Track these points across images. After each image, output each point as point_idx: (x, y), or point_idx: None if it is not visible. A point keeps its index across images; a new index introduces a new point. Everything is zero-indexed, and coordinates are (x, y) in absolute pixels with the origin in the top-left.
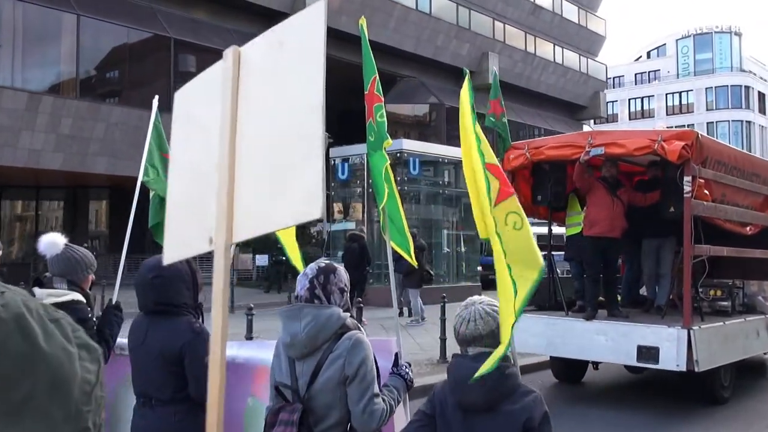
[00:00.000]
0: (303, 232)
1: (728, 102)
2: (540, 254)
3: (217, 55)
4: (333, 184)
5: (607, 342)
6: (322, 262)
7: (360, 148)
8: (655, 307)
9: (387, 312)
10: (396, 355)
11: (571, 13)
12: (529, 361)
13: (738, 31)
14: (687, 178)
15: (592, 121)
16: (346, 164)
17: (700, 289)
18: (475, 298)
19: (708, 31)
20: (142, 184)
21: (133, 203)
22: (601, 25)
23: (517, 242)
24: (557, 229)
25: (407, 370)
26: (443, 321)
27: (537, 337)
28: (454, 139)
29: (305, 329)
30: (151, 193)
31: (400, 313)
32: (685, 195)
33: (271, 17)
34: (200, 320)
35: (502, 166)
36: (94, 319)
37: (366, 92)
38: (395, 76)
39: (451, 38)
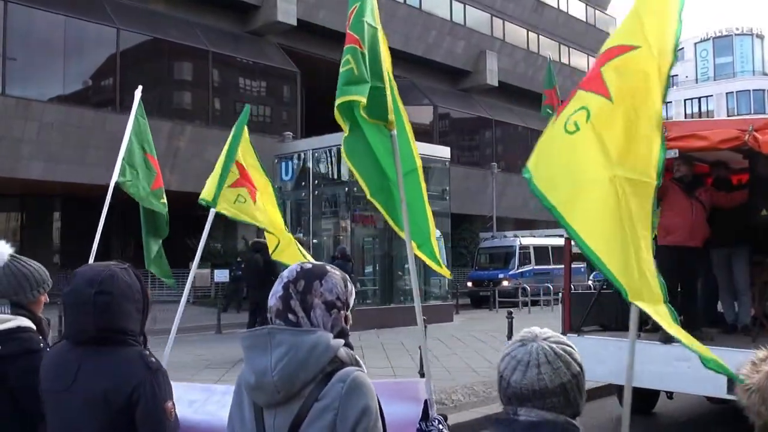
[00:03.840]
0: None
1: (750, 107)
2: None
3: (173, 49)
4: (279, 186)
5: (691, 370)
6: (309, 263)
7: (309, 143)
8: (740, 327)
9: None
10: (425, 403)
11: (577, 10)
12: (589, 385)
13: (760, 34)
14: None
15: None
16: (289, 162)
17: None
18: (536, 330)
19: (728, 34)
20: (116, 185)
21: (104, 207)
22: (611, 23)
23: None
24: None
25: (441, 426)
26: None
27: (604, 364)
28: (451, 148)
29: (278, 366)
30: (142, 210)
31: None
32: None
33: (243, 11)
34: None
35: None
36: (49, 350)
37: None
38: None
39: (444, 35)
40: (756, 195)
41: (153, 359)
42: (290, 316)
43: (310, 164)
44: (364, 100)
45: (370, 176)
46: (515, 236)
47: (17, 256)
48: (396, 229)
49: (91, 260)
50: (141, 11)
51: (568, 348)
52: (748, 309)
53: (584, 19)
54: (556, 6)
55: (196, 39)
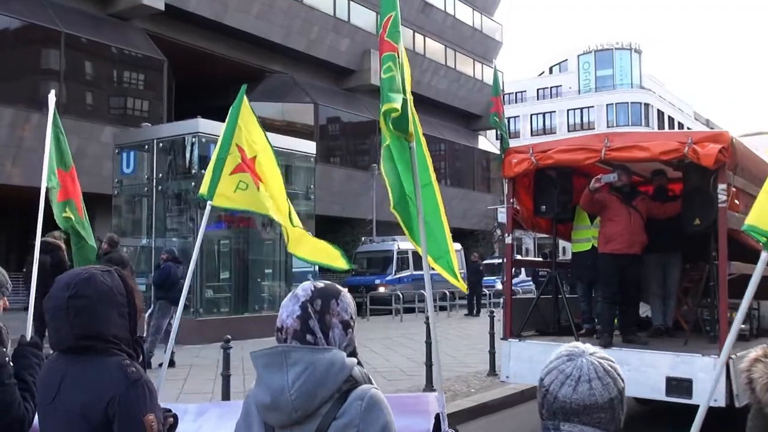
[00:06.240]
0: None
1: (628, 119)
2: None
3: (18, 28)
4: (118, 180)
5: (630, 373)
6: (321, 282)
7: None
8: (665, 329)
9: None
10: (437, 417)
11: (464, 14)
12: (521, 387)
13: (638, 48)
14: (722, 186)
15: (487, 133)
16: (132, 153)
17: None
18: (579, 345)
19: (609, 48)
20: (47, 190)
21: (39, 213)
22: (497, 30)
23: None
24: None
25: None
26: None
27: (542, 368)
28: (333, 148)
29: (295, 384)
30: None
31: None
32: (720, 205)
33: None
34: (140, 361)
35: (501, 171)
36: (11, 363)
37: (378, 35)
38: (262, 71)
39: (328, 31)
40: (689, 205)
41: (133, 369)
42: (308, 336)
43: (154, 155)
44: (399, 108)
45: (394, 187)
46: (393, 240)
47: None
48: (413, 243)
49: (34, 271)
50: None
51: (614, 364)
52: (671, 312)
53: (471, 24)
54: (443, 8)
55: (46, 18)
